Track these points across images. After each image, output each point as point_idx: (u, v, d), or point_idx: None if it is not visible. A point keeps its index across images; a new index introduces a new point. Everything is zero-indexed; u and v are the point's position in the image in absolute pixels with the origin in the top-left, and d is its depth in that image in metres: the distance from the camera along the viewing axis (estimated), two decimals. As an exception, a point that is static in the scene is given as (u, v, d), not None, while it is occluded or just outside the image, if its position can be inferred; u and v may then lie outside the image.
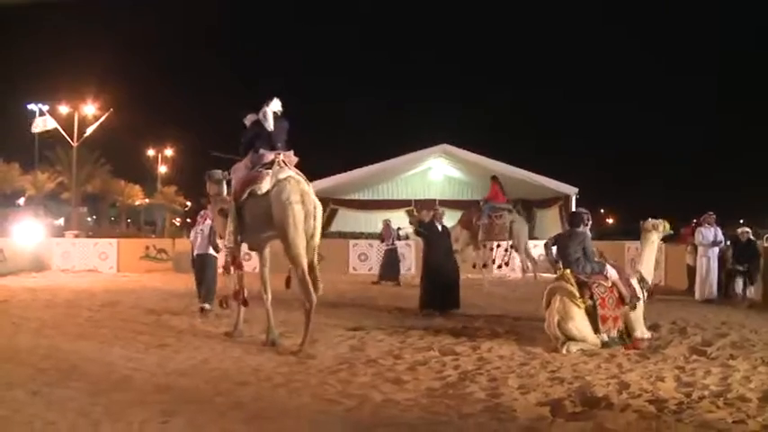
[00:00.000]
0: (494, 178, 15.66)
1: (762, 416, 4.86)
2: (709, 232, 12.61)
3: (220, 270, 9.53)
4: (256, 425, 4.64)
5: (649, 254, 8.18)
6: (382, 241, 16.87)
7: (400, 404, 5.14)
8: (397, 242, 16.55)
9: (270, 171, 7.36)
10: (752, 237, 12.35)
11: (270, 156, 7.47)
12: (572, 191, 21.87)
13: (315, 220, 7.28)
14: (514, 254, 15.12)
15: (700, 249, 12.69)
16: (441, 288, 10.51)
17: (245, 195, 7.53)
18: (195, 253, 10.36)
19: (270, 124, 7.64)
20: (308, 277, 7.20)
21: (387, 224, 16.81)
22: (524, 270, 15.13)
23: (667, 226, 8.31)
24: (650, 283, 8.06)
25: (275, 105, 7.76)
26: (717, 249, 12.59)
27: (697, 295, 12.53)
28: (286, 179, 7.27)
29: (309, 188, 7.43)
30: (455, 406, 5.09)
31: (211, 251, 10.24)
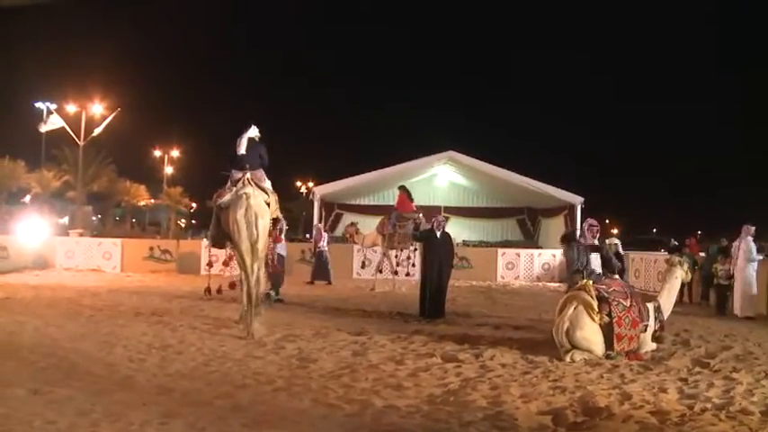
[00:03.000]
0: (401, 188, 16.23)
1: (764, 429, 4.83)
2: (754, 245, 11.76)
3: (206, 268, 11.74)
4: (256, 428, 4.62)
5: (670, 288, 8.05)
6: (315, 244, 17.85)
7: (401, 410, 5.12)
8: (326, 246, 17.32)
9: (234, 188, 8.76)
10: (621, 249, 10.86)
11: (238, 175, 8.83)
12: (577, 200, 21.83)
13: (256, 228, 8.46)
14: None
15: (740, 263, 11.68)
16: (429, 295, 10.53)
17: (216, 206, 9.14)
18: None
19: (242, 149, 8.98)
20: (253, 271, 8.57)
21: (319, 228, 18.04)
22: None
23: (688, 271, 8.35)
24: (665, 317, 7.86)
25: (252, 132, 9.21)
26: (756, 263, 11.74)
27: (738, 312, 11.64)
28: (240, 195, 8.59)
29: (260, 201, 8.65)
30: (456, 413, 5.07)
31: (279, 249, 11.78)
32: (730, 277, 11.91)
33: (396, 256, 15.61)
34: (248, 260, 8.58)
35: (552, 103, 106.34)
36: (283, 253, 12.78)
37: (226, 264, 9.97)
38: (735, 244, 12.01)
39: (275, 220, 9.37)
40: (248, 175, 8.81)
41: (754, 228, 11.89)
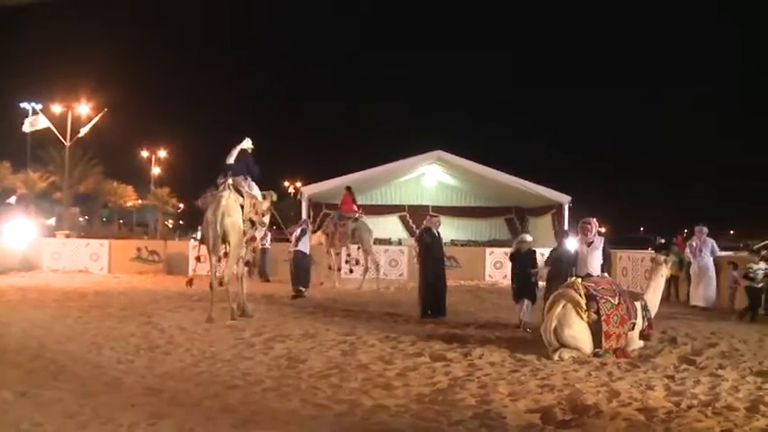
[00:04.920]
0: (347, 188, 16.66)
1: (749, 425, 4.89)
2: (715, 243, 13.16)
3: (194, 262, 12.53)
4: (245, 429, 4.62)
5: (656, 287, 8.13)
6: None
7: (390, 410, 5.14)
8: (269, 244, 17.80)
9: (214, 192, 9.84)
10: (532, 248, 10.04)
11: (221, 180, 9.89)
12: (565, 199, 21.91)
13: (220, 225, 9.42)
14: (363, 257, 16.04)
15: (705, 260, 12.83)
16: (434, 295, 10.58)
17: (201, 209, 10.09)
18: (290, 249, 13.69)
19: (230, 159, 10.09)
20: (231, 265, 9.72)
21: None
22: (366, 270, 15.92)
23: (672, 266, 8.55)
24: (653, 315, 7.91)
25: (245, 144, 10.33)
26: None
27: (695, 302, 12.82)
28: (216, 197, 9.66)
29: (231, 202, 9.54)
30: (445, 412, 5.09)
31: (301, 247, 13.36)
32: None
33: (337, 254, 16.02)
34: (215, 256, 9.70)
35: (543, 102, 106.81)
36: (306, 251, 13.60)
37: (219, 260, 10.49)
38: (693, 244, 13.10)
39: (252, 222, 10.09)
40: (230, 180, 9.77)
41: (706, 228, 13.11)
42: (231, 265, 9.77)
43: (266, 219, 10.98)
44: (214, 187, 10.02)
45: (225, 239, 9.54)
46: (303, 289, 13.18)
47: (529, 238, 10.10)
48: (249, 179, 10.24)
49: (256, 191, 10.30)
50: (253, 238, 10.43)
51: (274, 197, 11.19)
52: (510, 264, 10.11)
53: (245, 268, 10.83)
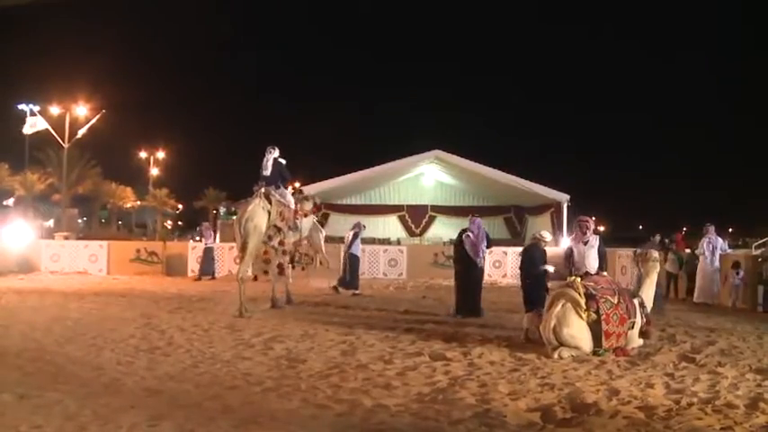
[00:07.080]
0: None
1: (749, 422, 4.89)
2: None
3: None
4: (246, 429, 4.62)
5: (651, 283, 8.17)
6: (200, 240, 19.63)
7: (390, 409, 5.14)
8: (213, 243, 18.59)
9: (248, 199, 10.82)
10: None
11: (256, 188, 10.87)
12: (563, 198, 21.92)
13: (245, 229, 10.46)
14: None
15: (709, 257, 13.18)
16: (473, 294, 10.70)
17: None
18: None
19: (267, 171, 10.95)
20: (247, 264, 10.74)
21: (207, 226, 19.78)
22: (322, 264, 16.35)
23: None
24: (648, 311, 7.93)
25: (276, 153, 11.09)
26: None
27: (696, 298, 13.25)
28: (245, 203, 10.74)
29: (257, 208, 10.52)
30: (445, 411, 5.09)
31: (353, 250, 14.11)
32: None
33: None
34: (242, 254, 10.62)
35: (542, 100, 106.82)
36: (357, 253, 14.36)
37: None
38: (707, 241, 13.35)
39: (278, 227, 10.86)
40: (263, 189, 10.71)
41: (713, 226, 13.49)
42: (247, 263, 10.65)
43: (307, 220, 12.03)
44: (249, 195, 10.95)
45: (245, 240, 10.47)
46: (356, 290, 13.87)
47: (548, 236, 9.19)
48: (282, 188, 11.18)
49: (289, 198, 11.31)
50: (282, 242, 11.07)
51: (318, 200, 12.32)
52: (523, 262, 9.07)
53: (278, 269, 11.39)
